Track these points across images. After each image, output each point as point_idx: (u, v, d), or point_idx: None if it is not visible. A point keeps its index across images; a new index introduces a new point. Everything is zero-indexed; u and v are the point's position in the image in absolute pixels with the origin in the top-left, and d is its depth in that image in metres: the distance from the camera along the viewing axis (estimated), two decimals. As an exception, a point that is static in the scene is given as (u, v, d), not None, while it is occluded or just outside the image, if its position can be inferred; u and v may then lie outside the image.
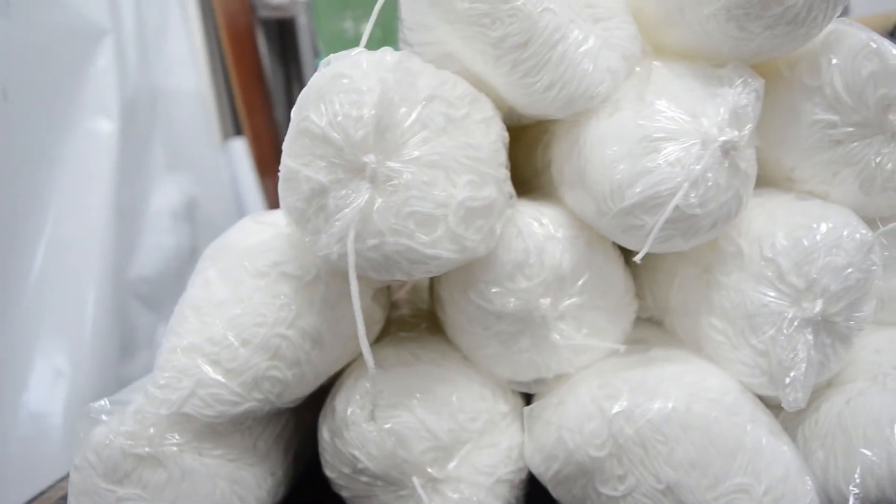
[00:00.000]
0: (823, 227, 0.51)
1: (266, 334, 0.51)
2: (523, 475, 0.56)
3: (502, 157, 0.50)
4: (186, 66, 1.77)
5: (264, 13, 2.07)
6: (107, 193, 1.40)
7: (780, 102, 0.55)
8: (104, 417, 0.53)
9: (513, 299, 0.52)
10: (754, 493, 0.49)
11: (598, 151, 0.49)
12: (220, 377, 0.51)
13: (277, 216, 0.59)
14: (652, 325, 0.62)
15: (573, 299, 0.53)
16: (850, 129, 0.53)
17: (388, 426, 0.52)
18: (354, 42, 0.50)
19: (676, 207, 0.46)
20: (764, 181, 0.59)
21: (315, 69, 0.48)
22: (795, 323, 0.50)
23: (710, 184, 0.47)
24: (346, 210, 0.43)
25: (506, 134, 0.52)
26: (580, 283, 0.53)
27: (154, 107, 1.63)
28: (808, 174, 0.55)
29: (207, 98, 1.86)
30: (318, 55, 2.02)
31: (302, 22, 2.02)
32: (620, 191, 0.48)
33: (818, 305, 0.50)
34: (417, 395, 0.53)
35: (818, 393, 0.56)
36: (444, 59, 0.54)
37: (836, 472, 0.52)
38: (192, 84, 1.78)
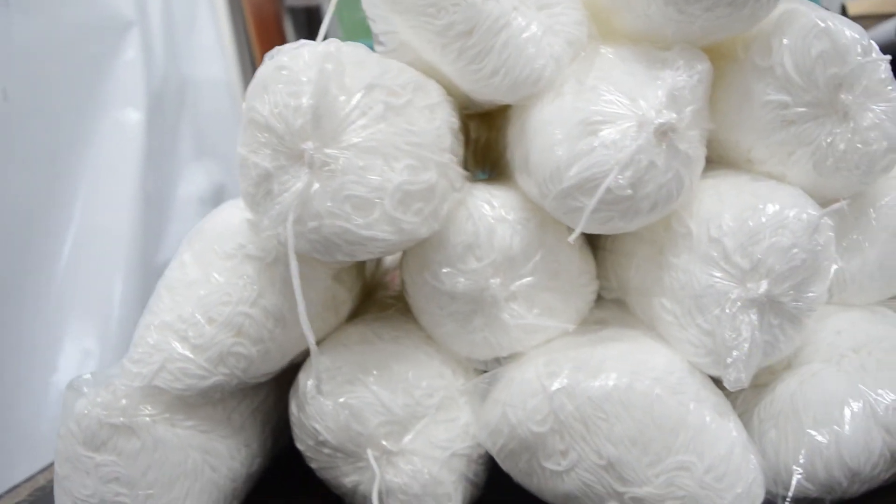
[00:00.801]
0: (770, 208, 0.51)
1: (230, 312, 0.54)
2: (482, 450, 0.57)
3: (447, 142, 0.52)
4: (214, 56, 1.81)
5: (291, 1, 2.11)
6: (134, 182, 1.46)
7: (734, 84, 0.55)
8: (86, 390, 0.57)
9: (462, 279, 0.53)
10: (696, 470, 0.49)
11: (540, 135, 0.51)
12: (187, 352, 0.54)
13: (250, 201, 0.61)
14: (616, 307, 0.63)
15: (524, 280, 0.55)
16: (802, 109, 0.53)
17: (341, 400, 0.54)
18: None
19: (610, 189, 0.47)
20: (725, 162, 0.59)
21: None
22: (739, 303, 0.50)
23: (643, 165, 0.47)
24: (286, 194, 0.46)
25: (454, 120, 0.54)
26: (531, 264, 0.55)
27: (182, 96, 1.68)
28: (765, 155, 0.55)
29: (235, 87, 1.91)
30: (344, 43, 2.03)
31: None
32: (559, 173, 0.49)
33: (763, 286, 0.50)
34: (374, 371, 0.55)
35: (777, 374, 0.57)
36: (401, 47, 0.56)
37: (786, 452, 0.53)
38: (219, 73, 1.83)
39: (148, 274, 1.45)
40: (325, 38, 0.50)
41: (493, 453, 0.54)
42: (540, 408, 0.51)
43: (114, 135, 1.45)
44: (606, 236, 0.62)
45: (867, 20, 1.47)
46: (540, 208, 0.55)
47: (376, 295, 0.74)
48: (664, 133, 0.48)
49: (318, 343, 0.61)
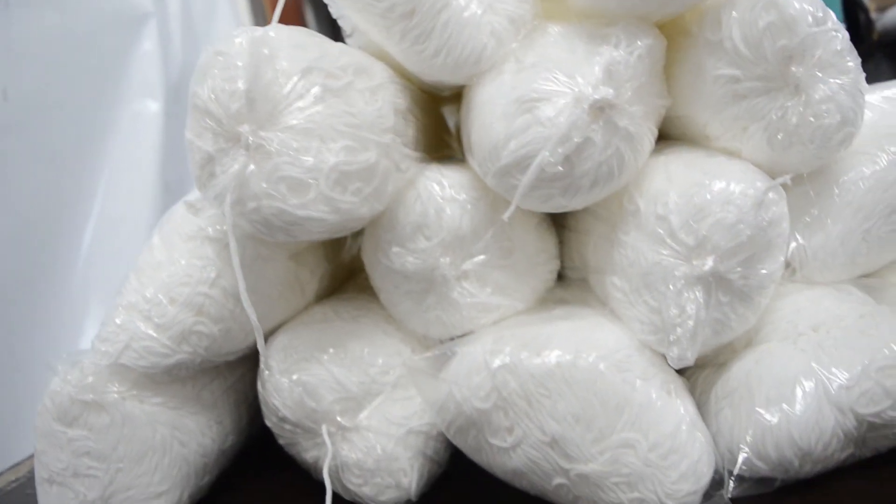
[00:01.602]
0: (716, 185, 0.50)
1: (190, 293, 0.56)
2: (442, 428, 0.58)
3: (388, 122, 0.52)
4: (233, 47, 1.84)
5: (311, -9, 2.12)
6: (154, 172, 1.49)
7: (688, 60, 0.54)
8: (60, 368, 0.59)
9: (411, 259, 0.54)
10: (640, 448, 0.49)
11: (480, 114, 0.51)
12: (151, 331, 0.56)
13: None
14: (579, 287, 0.62)
15: (475, 258, 0.55)
16: (753, 83, 0.51)
17: (295, 377, 0.56)
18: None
19: (542, 167, 0.47)
20: (685, 139, 0.58)
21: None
22: (684, 280, 0.50)
23: (577, 142, 0.47)
24: (223, 176, 0.47)
25: (399, 101, 0.54)
26: (482, 243, 0.55)
27: (201, 87, 1.72)
28: (720, 131, 0.55)
29: (255, 77, 1.94)
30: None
31: (348, -2, 2.06)
32: (496, 151, 0.49)
33: (708, 263, 0.49)
34: (330, 349, 0.57)
35: (735, 353, 0.56)
36: (356, 32, 0.57)
37: (739, 431, 0.52)
38: (239, 64, 1.85)
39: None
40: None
41: (443, 430, 0.55)
42: (483, 384, 0.51)
43: (133, 126, 1.49)
44: (569, 215, 0.62)
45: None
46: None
47: (358, 277, 0.76)
48: (601, 109, 0.48)
49: (284, 323, 0.62)
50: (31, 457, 0.79)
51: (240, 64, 0.47)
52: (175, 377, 0.60)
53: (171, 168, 1.54)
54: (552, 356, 0.50)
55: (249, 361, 0.65)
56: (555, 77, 0.48)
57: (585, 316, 0.55)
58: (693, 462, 0.50)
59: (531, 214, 0.58)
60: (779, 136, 0.52)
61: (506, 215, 0.49)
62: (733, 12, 0.51)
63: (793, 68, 0.50)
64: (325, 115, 0.48)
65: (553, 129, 0.47)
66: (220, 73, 0.47)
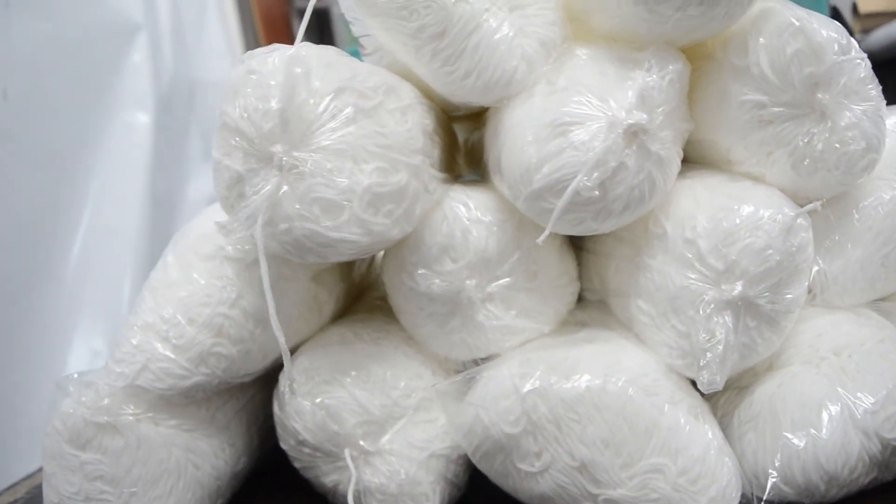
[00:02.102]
0: (744, 210, 0.50)
1: (210, 313, 0.55)
2: (462, 451, 0.58)
3: (418, 143, 0.52)
4: (223, 58, 1.83)
5: (300, 3, 2.11)
6: (144, 183, 1.47)
7: (712, 84, 0.55)
8: (72, 389, 0.58)
9: (437, 281, 0.54)
10: (669, 472, 0.49)
11: (510, 137, 0.51)
12: (169, 353, 0.55)
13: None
14: (598, 309, 0.62)
15: (501, 281, 0.55)
16: (780, 108, 0.52)
17: (318, 401, 0.55)
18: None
19: (578, 191, 0.47)
20: (705, 163, 0.59)
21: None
22: (713, 305, 0.50)
23: (612, 166, 0.47)
24: (256, 196, 0.46)
25: (427, 122, 0.54)
26: (507, 265, 0.55)
27: (191, 98, 1.70)
28: (743, 155, 0.55)
29: (244, 89, 1.92)
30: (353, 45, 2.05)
31: (338, 11, 2.06)
32: (529, 174, 0.49)
33: (737, 287, 0.49)
34: (352, 372, 0.56)
35: (756, 376, 0.56)
36: (380, 51, 0.56)
37: (764, 455, 0.52)
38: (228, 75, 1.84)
39: (156, 275, 1.46)
40: (333, 42, 0.51)
41: (469, 454, 0.54)
42: (512, 409, 0.51)
43: (123, 137, 1.46)
44: (588, 237, 0.62)
45: (879, 18, 1.45)
46: (517, 210, 0.55)
47: (366, 296, 0.75)
48: (634, 134, 0.48)
49: (301, 344, 0.61)
50: (30, 476, 0.78)
51: (273, 83, 0.46)
52: (191, 399, 0.58)
53: (160, 180, 1.52)
54: (582, 380, 0.50)
55: (260, 382, 0.64)
56: (588, 101, 0.48)
57: (610, 339, 0.55)
58: (722, 487, 0.50)
59: (554, 237, 0.58)
60: (805, 162, 0.52)
61: (540, 239, 0.49)
62: (760, 38, 0.51)
63: (819, 95, 0.51)
64: (357, 136, 0.48)
65: (588, 153, 0.47)
66: (253, 92, 0.46)
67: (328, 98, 0.47)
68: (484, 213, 0.54)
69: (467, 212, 0.54)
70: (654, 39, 0.51)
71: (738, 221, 0.50)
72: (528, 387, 0.50)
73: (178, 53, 1.64)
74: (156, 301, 0.57)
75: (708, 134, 0.56)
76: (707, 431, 0.51)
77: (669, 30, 0.50)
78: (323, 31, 2.19)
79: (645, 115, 0.48)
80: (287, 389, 0.55)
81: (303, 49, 0.49)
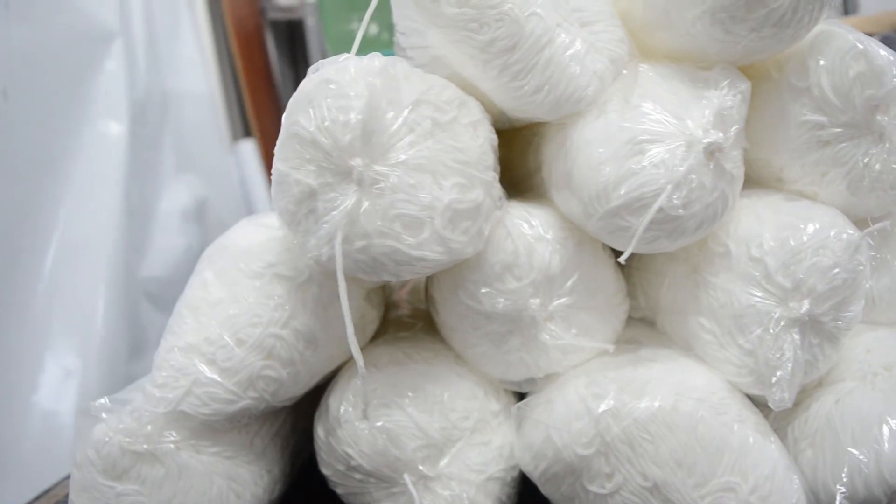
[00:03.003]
0: (810, 228, 0.51)
1: (261, 334, 0.53)
2: (515, 473, 0.57)
3: (490, 159, 0.51)
4: (196, 69, 1.78)
5: (273, 15, 2.08)
6: (117, 195, 1.42)
7: (768, 104, 0.55)
8: (104, 415, 0.54)
9: (502, 300, 0.52)
10: (741, 491, 0.49)
11: (584, 154, 0.50)
12: (215, 376, 0.52)
13: (274, 218, 0.60)
14: (644, 325, 0.62)
15: (563, 299, 0.54)
16: (838, 129, 0.53)
17: (379, 424, 0.52)
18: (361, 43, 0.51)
19: (661, 209, 0.47)
20: (754, 182, 0.59)
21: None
22: (782, 323, 0.50)
23: (694, 185, 0.47)
24: (334, 213, 0.44)
25: (494, 137, 0.53)
26: (569, 283, 0.54)
27: (164, 109, 1.65)
28: (797, 175, 0.56)
29: (217, 100, 1.88)
30: (326, 57, 2.04)
31: (311, 23, 2.03)
32: (606, 193, 0.49)
33: (805, 305, 0.50)
34: (409, 393, 0.54)
35: (808, 392, 0.57)
36: (434, 62, 0.55)
37: (824, 471, 0.53)
38: (201, 86, 1.80)
39: (131, 289, 1.41)
40: (306, 55, 0.49)
41: (535, 477, 0.53)
42: (586, 430, 0.50)
43: (96, 147, 1.41)
44: (636, 255, 0.61)
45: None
46: (576, 227, 0.55)
47: (390, 315, 0.73)
48: (711, 153, 0.48)
49: (344, 365, 0.59)
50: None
51: (353, 93, 0.45)
52: (234, 424, 0.56)
53: (135, 191, 1.47)
54: (655, 400, 0.50)
55: (290, 405, 0.62)
56: (665, 119, 0.48)
57: (673, 357, 0.55)
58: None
59: (609, 255, 0.57)
60: (863, 182, 0.53)
61: (622, 258, 0.49)
62: (821, 60, 0.52)
63: (878, 116, 0.52)
64: (435, 151, 0.46)
65: (671, 171, 0.47)
66: (332, 103, 0.44)
67: (407, 110, 0.46)
68: (546, 230, 0.53)
69: (530, 229, 0.53)
70: (720, 59, 0.52)
71: (804, 239, 0.50)
72: (602, 407, 0.49)
73: (151, 63, 1.59)
74: (198, 321, 0.54)
75: (761, 153, 0.57)
76: (773, 449, 0.51)
77: (740, 50, 0.50)
78: (295, 43, 2.16)
79: (722, 135, 0.48)
80: (356, 414, 0.52)
81: (376, 59, 0.47)
